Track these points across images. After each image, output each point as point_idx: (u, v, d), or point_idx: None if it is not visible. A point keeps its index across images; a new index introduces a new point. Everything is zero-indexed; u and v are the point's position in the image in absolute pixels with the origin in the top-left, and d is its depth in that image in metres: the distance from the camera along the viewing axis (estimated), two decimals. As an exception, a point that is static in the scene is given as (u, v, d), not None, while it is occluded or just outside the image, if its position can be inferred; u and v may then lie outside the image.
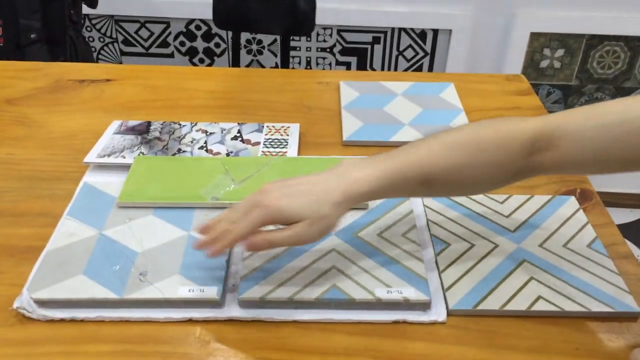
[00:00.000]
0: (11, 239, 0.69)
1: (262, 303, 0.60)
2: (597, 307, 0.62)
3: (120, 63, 2.13)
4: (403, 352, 0.57)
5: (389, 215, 0.72)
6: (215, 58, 2.11)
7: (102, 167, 0.81)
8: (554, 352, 0.58)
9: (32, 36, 1.68)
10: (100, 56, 2.16)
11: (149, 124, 0.91)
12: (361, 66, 2.21)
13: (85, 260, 0.63)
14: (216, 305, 0.60)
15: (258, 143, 0.87)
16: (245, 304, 0.60)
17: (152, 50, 2.13)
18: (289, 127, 0.92)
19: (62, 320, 0.59)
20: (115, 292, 0.59)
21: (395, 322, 0.60)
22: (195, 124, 0.91)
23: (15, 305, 0.59)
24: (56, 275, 0.61)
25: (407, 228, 0.70)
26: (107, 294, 0.59)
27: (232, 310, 0.60)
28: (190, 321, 0.59)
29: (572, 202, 0.77)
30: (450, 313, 0.61)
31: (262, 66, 2.11)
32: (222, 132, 0.89)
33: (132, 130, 0.89)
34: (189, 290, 0.60)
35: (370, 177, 0.57)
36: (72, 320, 0.59)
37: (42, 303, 0.59)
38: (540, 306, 0.62)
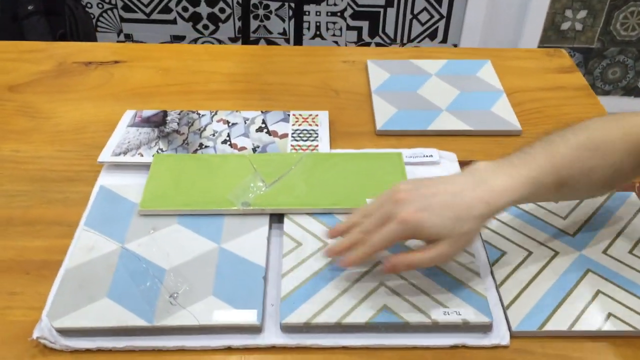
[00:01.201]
0: (25, 253, 0.63)
1: (307, 328, 0.55)
2: None
3: (121, 30, 2.03)
4: (465, 382, 0.52)
5: (437, 220, 0.65)
6: (220, 24, 2.01)
7: (118, 166, 0.74)
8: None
9: (29, 8, 1.59)
10: (99, 23, 2.06)
11: (165, 114, 0.83)
12: (373, 31, 2.11)
13: (109, 280, 0.57)
14: (256, 331, 0.54)
15: (286, 135, 0.79)
16: (288, 329, 0.55)
17: (154, 16, 2.03)
18: (317, 115, 0.84)
19: (87, 351, 0.53)
20: (144, 319, 0.54)
21: (454, 347, 0.55)
22: (216, 113, 0.84)
23: (35, 334, 0.53)
24: (78, 299, 0.55)
25: (459, 235, 0.64)
26: (135, 321, 0.53)
27: (274, 336, 0.54)
28: (229, 349, 0.54)
29: (632, 200, 0.70)
30: (513, 335, 0.56)
31: (270, 32, 2.01)
32: (245, 123, 0.82)
33: (147, 121, 0.82)
34: (226, 315, 0.54)
35: (510, 187, 0.54)
36: (99, 350, 0.53)
37: (65, 332, 0.54)
38: (612, 325, 0.56)
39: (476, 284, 0.58)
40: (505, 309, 0.57)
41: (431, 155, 0.77)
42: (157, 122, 0.82)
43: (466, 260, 0.61)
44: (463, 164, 0.77)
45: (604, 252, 0.64)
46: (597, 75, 2.11)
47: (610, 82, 2.13)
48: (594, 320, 0.56)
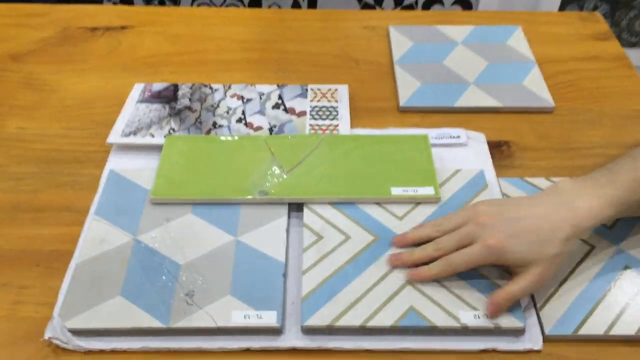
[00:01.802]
0: (34, 243, 0.61)
1: (328, 330, 0.52)
2: None
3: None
4: (495, 390, 0.50)
5: (466, 210, 0.62)
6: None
7: (128, 147, 0.71)
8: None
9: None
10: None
11: (175, 87, 0.79)
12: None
13: (122, 276, 0.55)
14: (276, 333, 0.52)
15: (304, 113, 0.75)
16: (310, 330, 0.52)
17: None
18: (336, 89, 0.79)
19: (102, 352, 0.51)
20: (160, 320, 0.51)
21: (483, 351, 0.52)
22: (229, 88, 0.79)
23: (47, 335, 0.51)
24: (90, 298, 0.53)
25: (489, 228, 0.60)
26: (150, 322, 0.51)
27: (294, 338, 0.52)
28: (248, 351, 0.52)
29: None
30: (546, 338, 0.53)
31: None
32: (260, 99, 0.77)
33: (157, 97, 0.77)
34: (245, 317, 0.52)
35: (596, 208, 0.53)
36: (114, 351, 0.51)
37: (78, 332, 0.52)
38: None
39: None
40: (538, 310, 0.54)
41: (458, 136, 0.72)
42: (168, 97, 0.77)
43: (497, 256, 0.57)
44: (492, 145, 0.73)
45: None
46: (624, 27, 2.01)
47: (637, 33, 2.04)
48: (634, 323, 0.53)
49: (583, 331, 0.53)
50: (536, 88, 0.80)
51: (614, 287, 0.56)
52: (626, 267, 0.58)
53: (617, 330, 0.53)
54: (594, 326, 0.53)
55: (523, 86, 0.81)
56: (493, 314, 0.52)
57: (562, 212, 0.53)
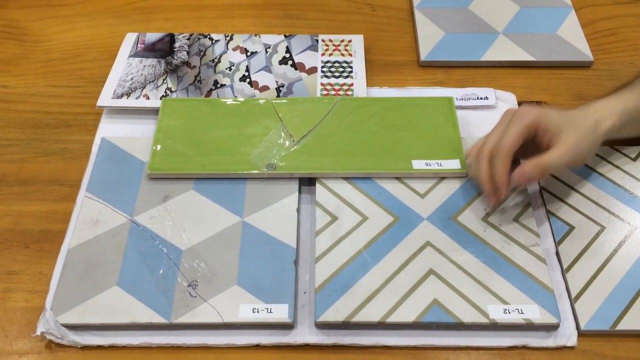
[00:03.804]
0: (22, 221, 0.56)
1: (344, 325, 0.48)
2: None
3: None
4: (525, 391, 0.46)
5: (495, 187, 0.56)
6: None
7: (121, 109, 0.64)
8: None
9: None
10: None
11: (172, 38, 0.71)
12: None
13: (118, 263, 0.50)
14: (287, 327, 0.48)
15: (314, 69, 0.67)
16: (324, 325, 0.48)
17: None
18: (350, 41, 0.71)
19: (99, 347, 0.48)
20: (161, 314, 0.47)
21: (512, 348, 0.48)
22: (231, 38, 0.71)
23: (40, 329, 0.47)
24: (84, 289, 0.48)
25: (521, 207, 0.54)
26: (151, 317, 0.47)
27: (307, 334, 0.48)
28: (257, 347, 0.48)
29: None
30: (581, 333, 0.49)
31: None
32: (266, 52, 0.69)
33: (152, 50, 0.70)
34: (253, 311, 0.47)
35: (612, 105, 0.55)
36: (112, 347, 0.48)
37: (73, 327, 0.47)
38: None
39: (542, 274, 0.50)
40: (572, 302, 0.50)
41: (487, 97, 0.65)
42: (163, 50, 0.70)
43: (530, 242, 0.52)
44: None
45: None
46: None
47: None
48: (677, 316, 0.49)
49: (622, 326, 0.48)
50: (572, 38, 0.72)
51: (657, 275, 0.51)
52: (670, 252, 0.53)
53: None
54: (635, 320, 0.49)
55: (557, 36, 0.72)
56: (520, 180, 0.50)
57: (589, 107, 0.54)
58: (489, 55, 0.70)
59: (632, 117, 0.55)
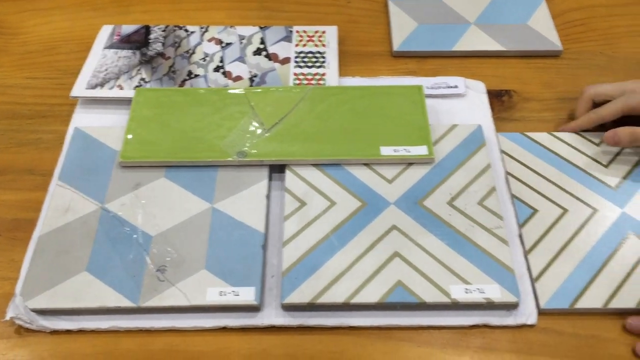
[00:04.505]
0: (-5, 210, 0.57)
1: (310, 307, 0.49)
2: None
3: None
4: (485, 369, 0.47)
5: (461, 172, 0.57)
6: None
7: (95, 100, 0.65)
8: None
9: None
10: None
11: (147, 30, 0.72)
12: None
13: (88, 249, 0.51)
14: (254, 310, 0.49)
15: (288, 60, 0.68)
16: (291, 307, 0.49)
17: None
18: (324, 31, 0.72)
19: (68, 332, 0.48)
20: (129, 298, 0.48)
21: (474, 327, 0.49)
22: (207, 30, 0.72)
23: (9, 314, 0.48)
24: (54, 274, 0.49)
25: (486, 191, 0.56)
26: (119, 301, 0.48)
27: (274, 316, 0.49)
28: (225, 329, 0.49)
29: None
30: (541, 312, 0.50)
31: None
32: (241, 43, 0.70)
33: (127, 41, 0.70)
34: (220, 294, 0.48)
35: None
36: (81, 331, 0.48)
37: (42, 311, 0.48)
38: None
39: (503, 255, 0.51)
40: (533, 281, 0.51)
41: (456, 86, 0.66)
42: (139, 41, 0.70)
43: (493, 224, 0.53)
44: (493, 94, 0.67)
45: None
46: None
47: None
48: (634, 295, 0.50)
49: (580, 304, 0.50)
50: (543, 28, 0.73)
51: (616, 255, 0.52)
52: (629, 234, 0.54)
53: (616, 304, 0.50)
54: (593, 299, 0.50)
55: (528, 26, 0.74)
56: (609, 140, 0.58)
57: None
58: (461, 45, 0.72)
59: None
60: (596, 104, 0.61)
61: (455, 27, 0.74)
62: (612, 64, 0.71)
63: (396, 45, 0.71)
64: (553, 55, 0.72)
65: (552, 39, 0.72)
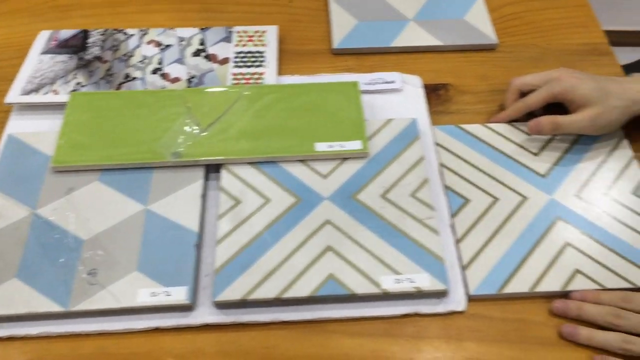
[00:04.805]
0: None
1: (243, 304, 0.49)
2: None
3: None
4: (416, 356, 0.48)
5: (395, 165, 0.58)
6: None
7: (30, 106, 0.64)
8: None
9: None
10: None
11: (85, 34, 0.71)
12: None
13: (18, 256, 0.50)
14: (187, 309, 0.49)
15: (226, 60, 0.69)
16: (224, 305, 0.49)
17: None
18: (264, 31, 0.73)
19: (-1, 339, 0.48)
20: (59, 303, 0.48)
21: (406, 316, 0.50)
22: (146, 32, 0.72)
23: (-63, 324, 0.48)
24: (-17, 282, 0.49)
25: (418, 183, 0.57)
26: (49, 306, 0.48)
27: (207, 314, 0.49)
28: (157, 330, 0.49)
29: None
30: (471, 298, 0.51)
31: None
32: (180, 45, 0.70)
33: (64, 46, 0.70)
34: (152, 294, 0.48)
35: None
36: (11, 338, 0.48)
37: (-30, 319, 0.48)
38: (578, 284, 0.51)
39: (434, 245, 0.52)
40: (463, 269, 0.52)
41: (393, 81, 0.67)
42: (76, 46, 0.70)
43: (425, 214, 0.54)
44: (430, 88, 0.68)
45: (577, 194, 0.57)
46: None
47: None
48: (559, 278, 0.52)
49: (508, 290, 0.51)
50: (479, 23, 0.75)
51: (544, 240, 0.54)
52: (557, 219, 0.55)
53: (542, 287, 0.51)
54: (519, 284, 0.51)
55: (465, 21, 0.75)
56: (532, 129, 0.60)
57: (625, 84, 0.58)
58: (399, 42, 0.73)
59: None
60: (524, 94, 0.63)
61: (394, 23, 0.75)
62: (545, 55, 0.73)
63: (336, 43, 0.72)
64: (489, 48, 0.73)
65: (487, 33, 0.74)
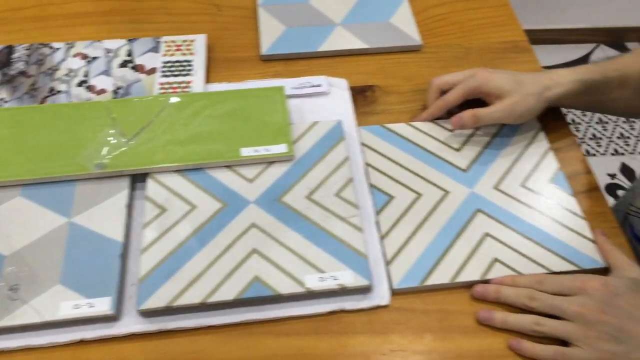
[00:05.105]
0: None
1: (168, 311, 0.49)
2: (559, 266, 0.54)
3: None
4: (341, 351, 0.49)
5: (320, 166, 0.59)
6: None
7: (-49, 123, 0.63)
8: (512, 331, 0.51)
9: None
10: None
11: (10, 50, 0.71)
12: None
13: (-64, 276, 0.50)
14: (111, 320, 0.49)
15: (154, 70, 0.69)
16: (149, 313, 0.49)
17: None
18: (193, 40, 0.73)
19: None
20: (-22, 321, 0.47)
21: (331, 313, 0.51)
22: (72, 46, 0.71)
23: None
24: None
25: (343, 183, 0.58)
26: (-32, 325, 0.47)
27: (133, 323, 0.49)
28: (82, 342, 0.49)
29: (531, 124, 0.65)
30: (395, 292, 0.52)
31: None
32: (107, 56, 0.70)
33: (-13, 62, 0.69)
34: (74, 307, 0.48)
35: (569, 74, 0.61)
36: None
37: None
38: (497, 272, 0.53)
39: (357, 243, 0.53)
40: (387, 264, 0.54)
41: (319, 85, 0.69)
42: (1, 62, 0.69)
43: (348, 213, 0.55)
44: (356, 90, 0.70)
45: (496, 187, 0.60)
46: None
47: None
48: (479, 268, 0.54)
49: (430, 282, 0.53)
50: (404, 25, 0.77)
51: (464, 232, 0.56)
52: (477, 211, 0.58)
53: (463, 277, 0.53)
54: (441, 276, 0.53)
55: (390, 24, 0.77)
56: (455, 124, 0.61)
57: (539, 75, 0.62)
58: (327, 46, 0.74)
59: (588, 88, 0.61)
60: (445, 93, 0.65)
61: (322, 28, 0.76)
62: (468, 54, 0.75)
63: (264, 49, 0.73)
64: (414, 50, 0.75)
65: (412, 34, 0.76)
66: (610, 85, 0.61)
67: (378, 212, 0.57)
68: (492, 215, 0.57)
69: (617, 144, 1.63)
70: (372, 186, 0.59)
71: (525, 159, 0.62)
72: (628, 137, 1.64)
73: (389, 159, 0.62)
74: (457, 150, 0.63)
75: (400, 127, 0.64)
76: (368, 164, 0.61)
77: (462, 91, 0.62)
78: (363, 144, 0.63)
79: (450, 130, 0.64)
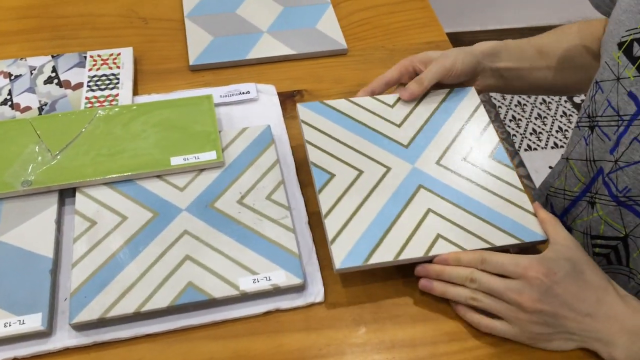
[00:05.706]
0: None
1: (103, 323, 0.49)
2: (501, 240, 0.54)
3: None
4: (277, 350, 0.50)
5: (250, 171, 0.60)
6: None
7: None
8: (448, 315, 0.53)
9: None
10: None
11: None
12: None
13: None
14: (44, 336, 0.49)
15: (80, 85, 0.68)
16: (82, 327, 0.49)
17: None
18: (119, 53, 0.73)
19: None
20: None
21: (267, 313, 0.52)
22: (-6, 64, 0.70)
23: None
24: None
25: (274, 186, 0.59)
26: None
27: (66, 338, 0.49)
28: (14, 361, 0.48)
29: (472, 94, 0.66)
30: (337, 271, 0.51)
31: None
32: (31, 74, 0.69)
33: None
34: (4, 325, 0.48)
35: (490, 42, 0.69)
36: None
37: None
38: (440, 248, 0.53)
39: (289, 242, 0.55)
40: (330, 244, 0.52)
41: (248, 92, 0.70)
42: None
43: (280, 215, 0.57)
44: (285, 95, 0.71)
45: (437, 162, 0.59)
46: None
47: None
48: (422, 245, 0.53)
49: (373, 260, 0.52)
50: (330, 31, 0.79)
51: (407, 209, 0.55)
52: (419, 187, 0.57)
53: (406, 255, 0.52)
54: (384, 254, 0.52)
55: (317, 30, 0.79)
56: (404, 96, 0.64)
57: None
58: (254, 54, 0.76)
59: (507, 48, 0.68)
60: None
61: (249, 36, 0.78)
62: (392, 56, 0.78)
63: (192, 60, 0.74)
64: (340, 54, 0.78)
65: (338, 39, 0.78)
66: (529, 52, 0.69)
67: (319, 191, 0.56)
68: (434, 191, 0.57)
69: (556, 137, 1.71)
70: (312, 164, 0.58)
71: (466, 133, 0.62)
72: (566, 131, 1.72)
73: (328, 135, 0.61)
74: (398, 126, 0.62)
75: (340, 103, 0.64)
76: (308, 142, 0.59)
77: (398, 66, 0.66)
78: (302, 121, 0.61)
79: (391, 106, 0.64)
